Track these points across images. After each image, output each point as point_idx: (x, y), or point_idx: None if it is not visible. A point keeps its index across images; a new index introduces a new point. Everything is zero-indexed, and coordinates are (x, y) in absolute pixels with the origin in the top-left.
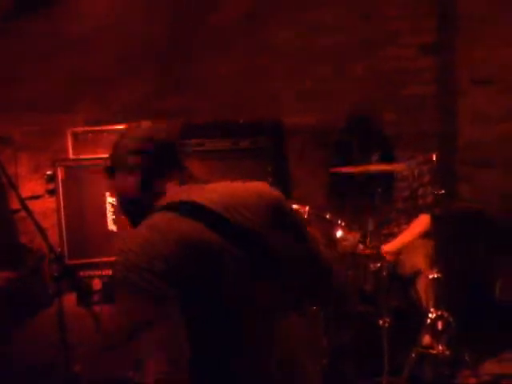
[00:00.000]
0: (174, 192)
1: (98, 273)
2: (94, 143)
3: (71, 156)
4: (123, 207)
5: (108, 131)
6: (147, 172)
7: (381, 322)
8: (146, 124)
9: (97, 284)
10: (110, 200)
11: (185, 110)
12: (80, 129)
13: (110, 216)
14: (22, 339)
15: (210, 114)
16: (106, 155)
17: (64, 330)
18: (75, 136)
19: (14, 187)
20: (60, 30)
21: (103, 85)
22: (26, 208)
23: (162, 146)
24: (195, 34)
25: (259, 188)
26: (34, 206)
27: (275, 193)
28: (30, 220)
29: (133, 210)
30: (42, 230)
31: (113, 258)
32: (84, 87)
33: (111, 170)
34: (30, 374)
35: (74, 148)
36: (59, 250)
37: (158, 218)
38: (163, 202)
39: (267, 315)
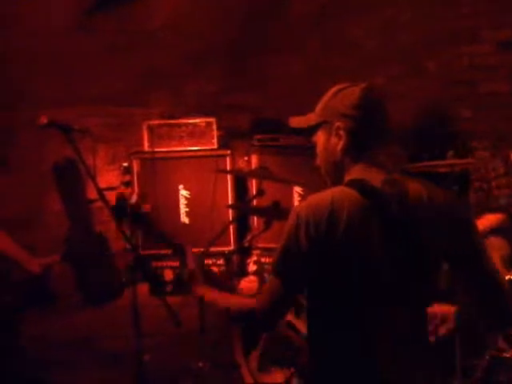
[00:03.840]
0: (361, 170)
1: (169, 263)
2: (169, 136)
3: (146, 148)
4: (322, 166)
5: (182, 125)
6: (353, 137)
7: None
8: (361, 88)
9: (168, 274)
10: (184, 193)
11: (256, 106)
12: (155, 122)
13: (182, 208)
14: (95, 328)
15: (281, 111)
16: (180, 148)
17: (137, 320)
18: (150, 129)
19: (93, 178)
20: (137, 26)
21: (177, 80)
22: (103, 198)
23: (373, 115)
24: (266, 31)
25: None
26: (109, 197)
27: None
28: (105, 210)
29: (330, 171)
30: (118, 221)
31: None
32: (159, 82)
33: (315, 126)
34: (102, 361)
35: (149, 141)
36: (133, 240)
37: (336, 190)
38: (350, 176)
39: (392, 315)
